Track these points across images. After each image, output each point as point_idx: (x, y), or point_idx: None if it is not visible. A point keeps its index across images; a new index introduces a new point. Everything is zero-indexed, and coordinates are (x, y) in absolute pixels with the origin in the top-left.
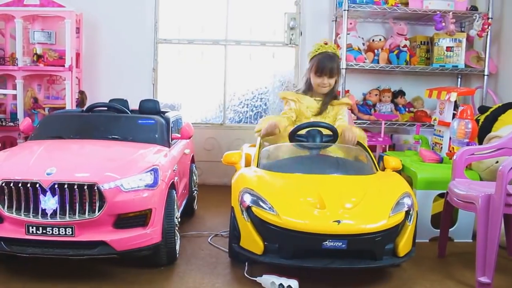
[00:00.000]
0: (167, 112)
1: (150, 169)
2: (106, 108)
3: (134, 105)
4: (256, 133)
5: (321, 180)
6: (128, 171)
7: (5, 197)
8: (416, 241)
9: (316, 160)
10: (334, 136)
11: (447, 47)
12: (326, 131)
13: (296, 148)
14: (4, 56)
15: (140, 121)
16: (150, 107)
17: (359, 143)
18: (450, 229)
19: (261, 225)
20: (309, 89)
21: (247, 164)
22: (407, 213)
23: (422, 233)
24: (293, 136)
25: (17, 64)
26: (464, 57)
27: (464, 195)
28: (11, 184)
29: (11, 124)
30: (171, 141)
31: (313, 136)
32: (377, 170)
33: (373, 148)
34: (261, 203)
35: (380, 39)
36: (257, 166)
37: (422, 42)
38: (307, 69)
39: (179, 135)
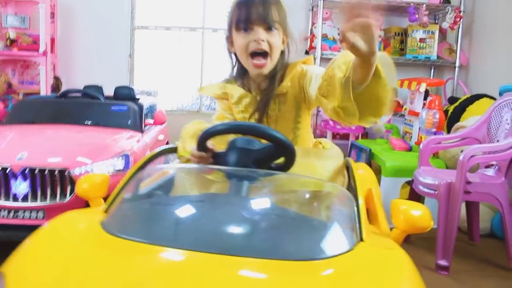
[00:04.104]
0: (141, 98)
1: (121, 154)
2: (80, 94)
3: (110, 91)
4: (179, 157)
5: (219, 273)
6: (99, 156)
7: None
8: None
9: (233, 212)
10: (287, 156)
11: (420, 38)
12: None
13: (200, 178)
14: None
15: (113, 108)
16: (125, 94)
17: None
18: None
19: None
20: (242, 73)
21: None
22: None
23: (389, 219)
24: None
25: None
26: (437, 48)
27: (427, 183)
28: None
29: None
30: (144, 127)
31: (239, 154)
32: (361, 239)
33: (346, 136)
34: None
35: None
36: (105, 212)
37: (397, 33)
38: (226, 41)
39: (152, 121)
